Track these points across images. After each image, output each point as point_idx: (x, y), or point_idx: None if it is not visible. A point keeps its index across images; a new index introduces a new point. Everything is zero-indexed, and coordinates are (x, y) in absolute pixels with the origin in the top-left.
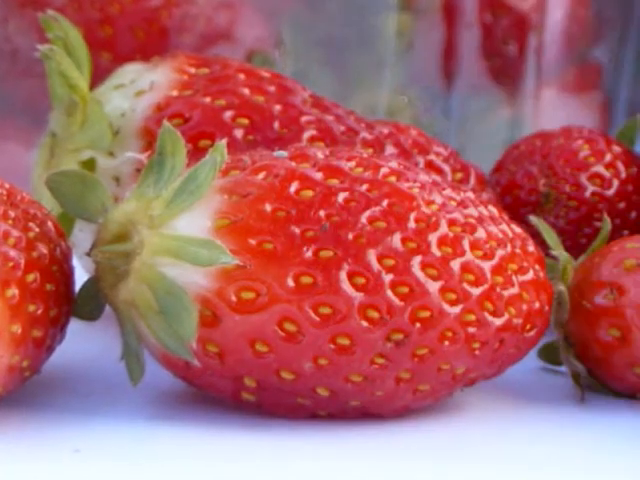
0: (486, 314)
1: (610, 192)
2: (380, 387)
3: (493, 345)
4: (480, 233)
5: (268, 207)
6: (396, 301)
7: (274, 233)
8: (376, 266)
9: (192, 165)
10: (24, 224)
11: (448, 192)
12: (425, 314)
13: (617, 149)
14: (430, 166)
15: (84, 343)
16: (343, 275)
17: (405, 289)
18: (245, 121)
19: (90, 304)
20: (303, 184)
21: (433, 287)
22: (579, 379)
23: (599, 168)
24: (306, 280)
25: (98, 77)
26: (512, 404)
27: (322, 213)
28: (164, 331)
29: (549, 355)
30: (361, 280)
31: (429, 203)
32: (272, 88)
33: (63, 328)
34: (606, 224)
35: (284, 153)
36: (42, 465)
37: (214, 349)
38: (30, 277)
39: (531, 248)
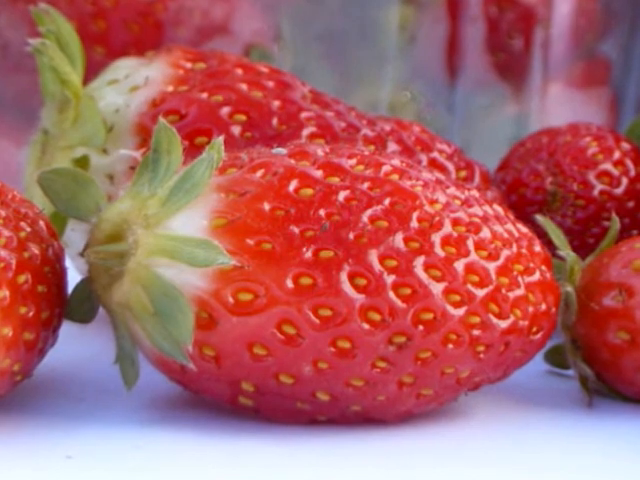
0: (491, 316)
1: (619, 190)
2: (382, 391)
3: (498, 348)
4: (485, 233)
5: (266, 206)
6: (398, 303)
7: (273, 233)
8: (378, 267)
9: (188, 163)
10: (15, 224)
11: (452, 191)
12: (428, 316)
13: (626, 146)
14: (433, 164)
15: (77, 346)
16: (344, 276)
17: (407, 290)
18: (243, 117)
19: (83, 306)
20: (302, 182)
21: (436, 288)
22: (587, 383)
23: (607, 166)
24: (306, 281)
25: (91, 72)
26: (518, 409)
27: (322, 212)
28: (159, 334)
29: (556, 358)
30: (362, 281)
31: (432, 202)
32: (271, 83)
33: (55, 331)
34: (615, 223)
35: (283, 150)
36: (33, 471)
37: (211, 352)
38: (21, 278)
39: (537, 248)
